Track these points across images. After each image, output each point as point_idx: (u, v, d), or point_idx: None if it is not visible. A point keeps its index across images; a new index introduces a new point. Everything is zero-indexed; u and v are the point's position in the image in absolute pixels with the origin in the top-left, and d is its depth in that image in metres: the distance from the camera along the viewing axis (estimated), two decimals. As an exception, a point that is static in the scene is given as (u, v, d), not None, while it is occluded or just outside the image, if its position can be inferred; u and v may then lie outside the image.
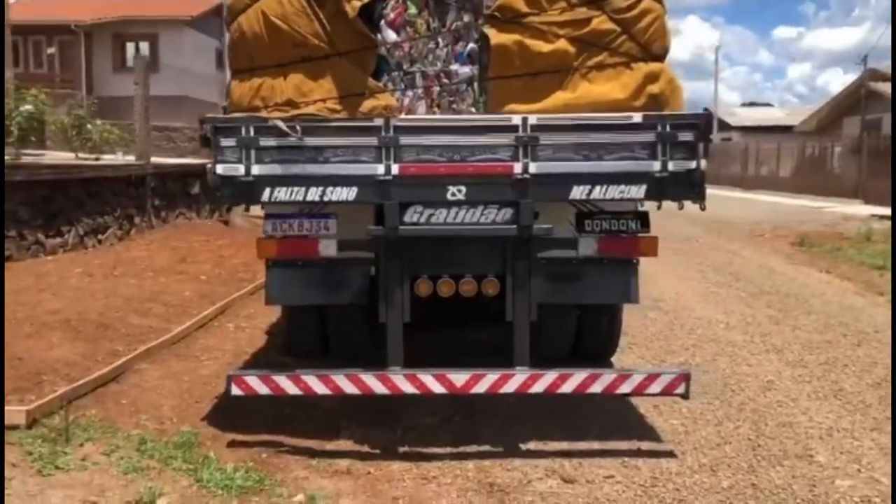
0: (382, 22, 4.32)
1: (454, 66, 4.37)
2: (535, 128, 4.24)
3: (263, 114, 4.25)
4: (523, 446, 4.57)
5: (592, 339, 5.92)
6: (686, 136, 4.24)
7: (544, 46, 4.26)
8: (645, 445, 4.59)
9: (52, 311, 6.20)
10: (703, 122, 4.27)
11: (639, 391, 4.41)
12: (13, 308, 6.09)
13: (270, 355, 6.24)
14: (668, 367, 4.44)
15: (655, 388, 4.39)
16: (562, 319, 5.78)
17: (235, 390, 4.35)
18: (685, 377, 4.40)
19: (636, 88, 4.34)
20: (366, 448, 4.55)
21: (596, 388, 4.39)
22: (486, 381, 4.37)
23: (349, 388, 4.37)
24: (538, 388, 4.38)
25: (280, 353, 6.18)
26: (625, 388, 4.40)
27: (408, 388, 4.37)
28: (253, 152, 4.21)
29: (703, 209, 4.34)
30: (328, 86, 4.25)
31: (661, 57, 4.43)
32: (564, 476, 4.19)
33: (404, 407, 4.98)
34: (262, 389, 4.36)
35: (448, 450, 4.53)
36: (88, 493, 3.63)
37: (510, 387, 4.38)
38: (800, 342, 7.05)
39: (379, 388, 4.36)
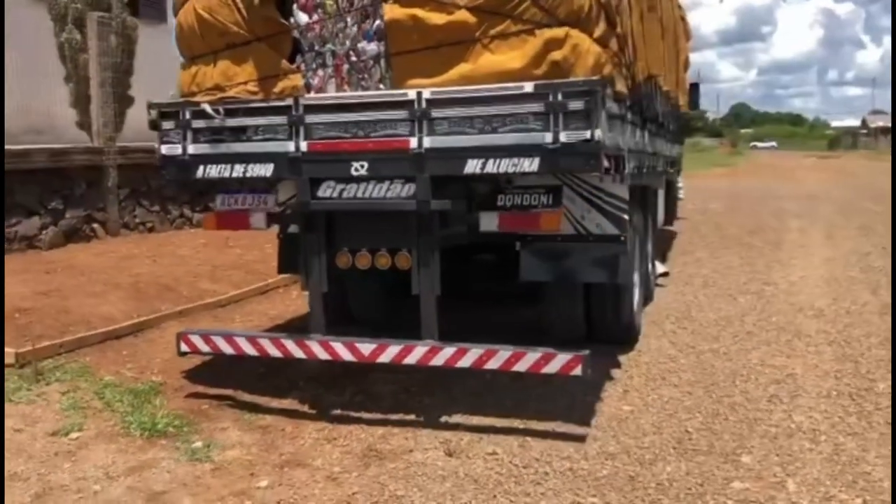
0: (295, 6, 4.54)
1: (362, 44, 4.48)
2: (430, 102, 4.25)
3: (196, 98, 4.69)
4: (446, 418, 4.60)
5: (600, 321, 5.71)
6: (576, 105, 4.01)
7: (440, 18, 4.23)
8: (565, 427, 4.42)
9: (134, 275, 7.21)
10: (596, 90, 4.00)
11: (535, 370, 4.26)
12: (102, 270, 7.18)
13: (304, 322, 6.73)
14: (581, 349, 4.20)
15: (552, 367, 4.22)
16: (563, 299, 5.65)
17: (183, 347, 4.87)
18: (582, 359, 4.17)
19: (535, 56, 4.16)
20: (304, 408, 4.85)
21: (492, 364, 4.32)
22: (390, 352, 4.48)
23: (273, 351, 4.71)
24: (437, 361, 4.41)
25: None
26: (520, 367, 4.28)
27: (322, 354, 4.61)
28: (188, 133, 4.69)
29: (600, 181, 4.08)
30: (249, 69, 4.59)
31: (570, 22, 4.19)
32: (450, 449, 4.18)
33: (373, 374, 5.20)
34: (204, 347, 4.84)
35: (376, 416, 4.69)
36: (20, 421, 4.35)
37: (412, 358, 4.45)
38: (885, 337, 6.14)
39: (297, 352, 4.65)
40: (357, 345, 4.54)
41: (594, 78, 4.06)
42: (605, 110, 4.13)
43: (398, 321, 6.29)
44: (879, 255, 9.95)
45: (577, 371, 4.18)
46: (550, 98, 4.04)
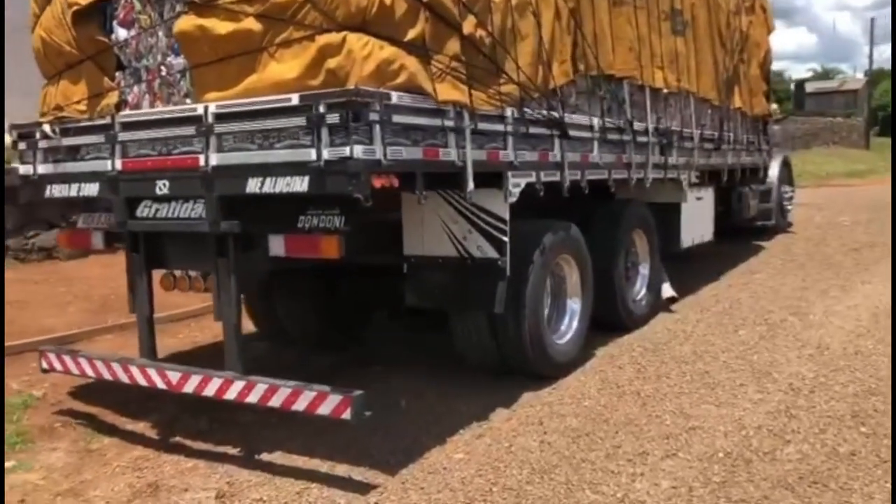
0: (115, 22, 4.44)
1: (170, 58, 4.29)
2: (217, 117, 3.99)
3: (45, 119, 4.73)
4: (265, 455, 4.30)
5: (504, 351, 5.16)
6: (333, 119, 3.58)
7: (225, 28, 3.96)
8: (366, 475, 3.99)
9: (115, 287, 7.41)
10: (353, 102, 3.56)
11: (311, 410, 3.86)
12: (90, 282, 7.48)
13: (247, 338, 6.64)
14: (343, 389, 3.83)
15: (325, 409, 3.82)
16: (462, 325, 5.18)
17: (43, 364, 4.92)
18: (350, 401, 3.72)
19: (310, 65, 3.78)
20: (153, 433, 4.71)
21: (275, 401, 3.98)
22: (193, 382, 4.29)
23: (105, 373, 4.65)
24: (230, 395, 4.15)
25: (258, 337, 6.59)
26: (299, 406, 3.89)
27: (141, 379, 4.48)
28: (38, 154, 4.73)
29: (363, 202, 3.62)
30: (82, 88, 4.56)
31: (352, 25, 3.76)
32: (223, 492, 3.90)
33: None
34: (57, 366, 4.86)
35: (205, 446, 4.47)
36: None
37: (210, 390, 4.22)
38: (869, 387, 5.05)
39: (122, 376, 4.55)
40: (167, 372, 4.37)
41: (350, 87, 3.60)
42: (381, 123, 3.67)
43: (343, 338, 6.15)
44: None
45: (347, 415, 3.74)
46: (313, 111, 3.65)
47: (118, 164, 4.37)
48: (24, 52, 4.95)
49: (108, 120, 4.40)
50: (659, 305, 7.27)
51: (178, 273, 4.51)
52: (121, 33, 4.45)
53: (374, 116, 3.61)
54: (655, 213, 7.27)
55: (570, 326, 5.61)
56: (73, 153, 4.61)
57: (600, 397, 5.01)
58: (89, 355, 4.78)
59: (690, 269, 8.90)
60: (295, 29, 3.84)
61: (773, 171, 11.72)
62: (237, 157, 3.94)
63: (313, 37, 3.80)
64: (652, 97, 6.74)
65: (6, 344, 5.84)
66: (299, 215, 4.13)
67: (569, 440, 4.34)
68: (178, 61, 4.27)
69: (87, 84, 4.52)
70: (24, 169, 4.85)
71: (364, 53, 3.71)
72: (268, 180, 3.83)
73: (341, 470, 4.05)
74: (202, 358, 5.84)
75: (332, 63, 3.72)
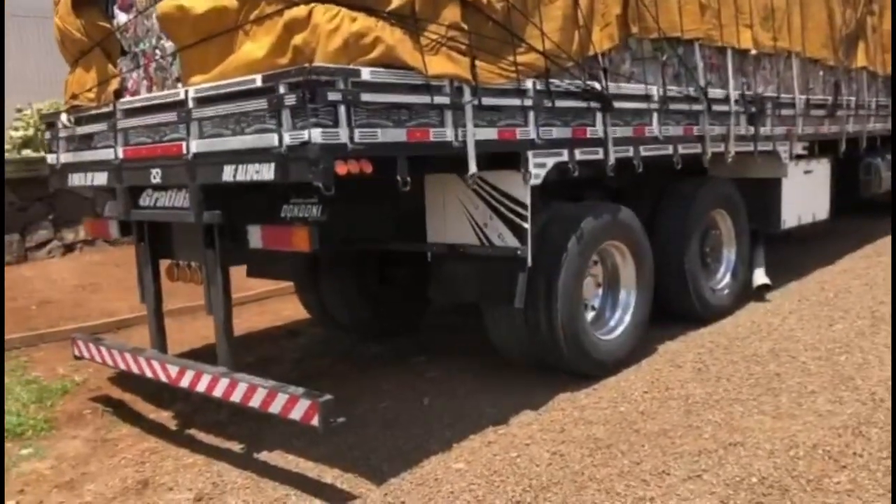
0: (116, 6, 4.33)
1: (163, 41, 4.13)
2: (198, 101, 3.80)
3: (63, 108, 4.74)
4: (265, 454, 4.13)
5: (538, 345, 4.74)
6: (291, 100, 3.28)
7: (202, 6, 3.74)
8: (351, 484, 3.73)
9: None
10: (309, 81, 3.24)
11: (284, 414, 3.62)
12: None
13: (301, 325, 6.54)
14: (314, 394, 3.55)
15: (296, 413, 3.56)
16: (496, 318, 4.80)
17: (76, 351, 4.98)
18: (316, 407, 3.44)
19: (277, 42, 3.49)
20: (171, 424, 4.67)
21: (255, 401, 3.77)
22: (187, 377, 4.16)
23: (120, 362, 4.62)
24: (218, 392, 4.03)
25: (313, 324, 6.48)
26: (274, 408, 3.66)
27: (147, 371, 4.42)
28: (61, 143, 4.75)
29: (327, 191, 3.30)
30: (93, 76, 4.52)
31: (319, -4, 3.43)
32: (202, 495, 3.75)
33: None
34: (85, 353, 4.91)
35: (214, 441, 4.38)
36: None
37: (202, 386, 4.09)
38: None
39: (133, 367, 4.50)
40: (168, 366, 4.27)
41: (305, 65, 3.28)
42: (346, 103, 3.34)
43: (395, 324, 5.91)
44: None
45: (315, 421, 3.47)
46: (275, 92, 3.37)
47: (120, 153, 4.28)
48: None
49: (110, 107, 4.32)
50: (748, 294, 6.52)
51: (181, 263, 4.38)
52: (121, 17, 4.34)
53: (335, 96, 3.28)
54: (748, 189, 6.51)
55: (620, 321, 5.08)
56: (87, 142, 4.58)
57: (641, 402, 4.48)
58: (110, 345, 4.79)
59: (803, 252, 8.00)
60: (267, 3, 3.56)
61: (919, 137, 10.34)
62: (213, 143, 3.73)
63: (282, 11, 3.51)
64: (737, 60, 5.98)
65: (64, 327, 6.02)
66: (283, 204, 3.88)
67: (584, 453, 3.87)
68: (170, 44, 4.10)
69: (97, 71, 4.47)
70: (51, 158, 4.89)
71: (331, 27, 3.38)
72: (240, 168, 3.60)
73: (330, 476, 3.81)
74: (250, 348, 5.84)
75: (298, 39, 3.42)
